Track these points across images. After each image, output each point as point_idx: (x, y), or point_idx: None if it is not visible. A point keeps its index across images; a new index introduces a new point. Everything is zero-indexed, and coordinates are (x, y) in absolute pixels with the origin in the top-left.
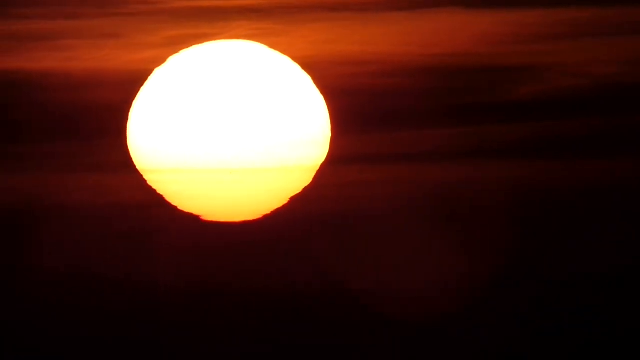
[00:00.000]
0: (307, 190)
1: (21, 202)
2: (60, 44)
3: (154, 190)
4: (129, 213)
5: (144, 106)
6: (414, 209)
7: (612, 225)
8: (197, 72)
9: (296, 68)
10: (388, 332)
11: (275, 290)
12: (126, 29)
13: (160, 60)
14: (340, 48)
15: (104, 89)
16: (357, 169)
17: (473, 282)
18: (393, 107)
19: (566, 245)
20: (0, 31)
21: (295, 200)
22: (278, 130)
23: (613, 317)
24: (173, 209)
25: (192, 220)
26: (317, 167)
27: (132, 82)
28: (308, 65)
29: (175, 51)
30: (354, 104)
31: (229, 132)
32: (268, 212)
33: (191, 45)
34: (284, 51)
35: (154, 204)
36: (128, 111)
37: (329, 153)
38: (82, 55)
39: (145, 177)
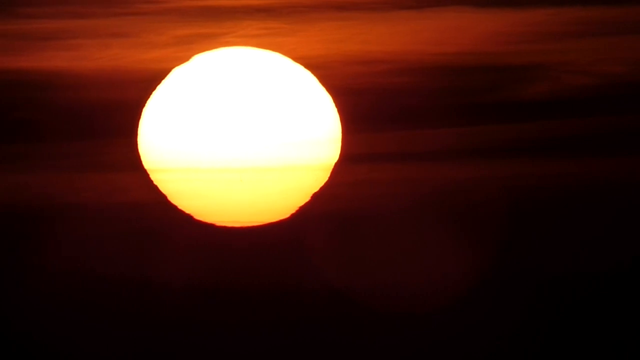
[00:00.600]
0: (321, 190)
1: (30, 201)
2: (68, 43)
3: (162, 190)
4: (142, 212)
5: (157, 106)
6: (425, 207)
7: (620, 224)
8: (210, 76)
9: (301, 69)
10: (401, 330)
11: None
12: (134, 28)
13: (169, 60)
14: (349, 47)
15: (112, 88)
16: (367, 167)
17: (481, 281)
18: (402, 106)
19: (579, 245)
20: (8, 30)
21: (312, 201)
22: (288, 130)
23: (613, 317)
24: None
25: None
26: (330, 166)
27: (141, 82)
28: (317, 65)
29: (184, 50)
30: (363, 103)
31: (239, 132)
32: (289, 213)
33: (200, 44)
34: (292, 50)
35: (164, 204)
36: (137, 110)
37: (338, 152)
38: (91, 55)
39: (156, 176)
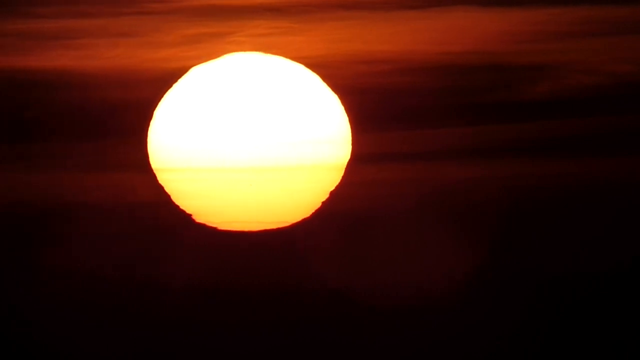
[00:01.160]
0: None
1: (39, 200)
2: (75, 42)
3: (171, 191)
4: (150, 212)
5: (168, 107)
6: (427, 207)
7: (620, 224)
8: (221, 80)
9: (308, 72)
10: (401, 330)
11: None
12: (142, 27)
13: (177, 59)
14: (355, 47)
15: (120, 87)
16: (374, 167)
17: (481, 281)
18: (408, 106)
19: (579, 245)
20: (15, 30)
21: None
22: (298, 130)
23: (613, 317)
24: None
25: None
26: (342, 166)
27: (149, 81)
28: (323, 64)
29: (192, 50)
30: (369, 102)
31: (248, 133)
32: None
33: (208, 44)
34: (299, 50)
35: (172, 204)
36: (146, 110)
37: (349, 152)
38: (99, 54)
39: (164, 176)
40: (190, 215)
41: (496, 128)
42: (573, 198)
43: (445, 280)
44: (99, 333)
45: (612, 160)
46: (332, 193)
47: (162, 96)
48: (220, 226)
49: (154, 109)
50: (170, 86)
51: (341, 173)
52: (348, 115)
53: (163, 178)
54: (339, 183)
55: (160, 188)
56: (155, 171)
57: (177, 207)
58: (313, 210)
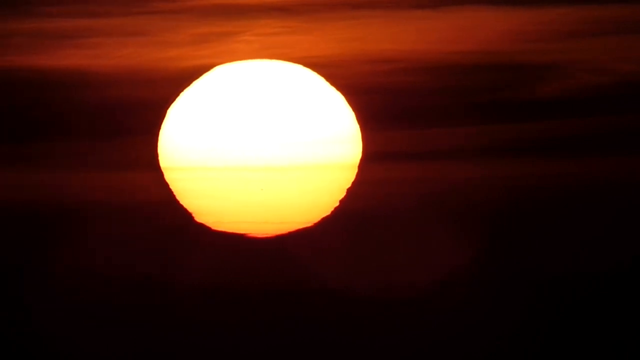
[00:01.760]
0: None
1: (49, 199)
2: (85, 42)
3: (180, 191)
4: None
5: (180, 108)
6: (439, 206)
7: (620, 224)
8: (233, 84)
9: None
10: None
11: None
12: (151, 27)
13: (186, 58)
14: (364, 46)
15: (130, 86)
16: (383, 166)
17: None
18: (417, 105)
19: (579, 245)
20: (25, 29)
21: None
22: (309, 131)
23: (613, 317)
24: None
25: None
26: (354, 165)
27: (159, 80)
28: (331, 63)
29: (201, 49)
30: (378, 101)
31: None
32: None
33: (217, 43)
34: (308, 49)
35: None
36: (156, 109)
37: (356, 151)
38: (108, 54)
39: (174, 175)
40: (199, 215)
41: (505, 127)
42: (573, 198)
43: (443, 280)
44: (103, 332)
45: (612, 160)
46: (348, 191)
47: (172, 95)
48: (233, 228)
49: (164, 108)
50: (179, 85)
51: (354, 172)
52: (356, 115)
53: (173, 177)
54: (353, 181)
55: (168, 188)
56: (164, 170)
57: (186, 207)
58: (332, 209)
